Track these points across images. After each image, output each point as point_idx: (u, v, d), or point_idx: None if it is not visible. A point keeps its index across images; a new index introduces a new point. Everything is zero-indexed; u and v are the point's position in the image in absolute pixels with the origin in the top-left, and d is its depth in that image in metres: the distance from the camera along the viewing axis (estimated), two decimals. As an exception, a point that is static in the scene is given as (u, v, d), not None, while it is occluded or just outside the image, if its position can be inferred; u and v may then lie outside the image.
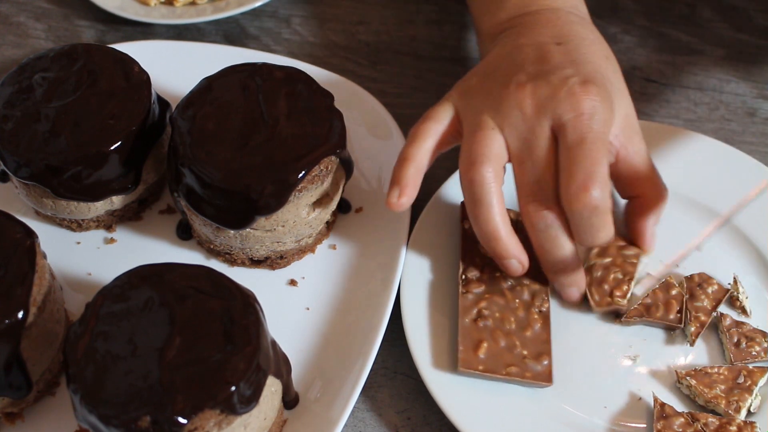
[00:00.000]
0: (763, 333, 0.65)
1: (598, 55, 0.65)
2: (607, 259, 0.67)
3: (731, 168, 0.73)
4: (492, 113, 0.62)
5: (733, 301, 0.67)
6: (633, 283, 0.66)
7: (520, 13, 0.69)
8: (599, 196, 0.58)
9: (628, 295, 0.66)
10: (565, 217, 0.60)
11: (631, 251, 0.67)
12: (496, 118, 0.61)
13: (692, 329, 0.65)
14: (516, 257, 0.63)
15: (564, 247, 0.61)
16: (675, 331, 0.66)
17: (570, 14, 0.68)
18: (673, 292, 0.66)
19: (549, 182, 0.60)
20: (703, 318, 0.66)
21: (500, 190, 0.61)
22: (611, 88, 0.63)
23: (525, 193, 0.61)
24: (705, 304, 0.66)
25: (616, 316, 0.67)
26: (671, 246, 0.70)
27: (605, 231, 0.59)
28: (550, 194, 0.60)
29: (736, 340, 0.64)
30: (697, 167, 0.73)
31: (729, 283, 0.68)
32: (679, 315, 0.65)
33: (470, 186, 0.61)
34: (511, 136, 0.61)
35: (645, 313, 0.65)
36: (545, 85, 0.61)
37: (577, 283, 0.65)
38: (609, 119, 0.61)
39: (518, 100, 0.61)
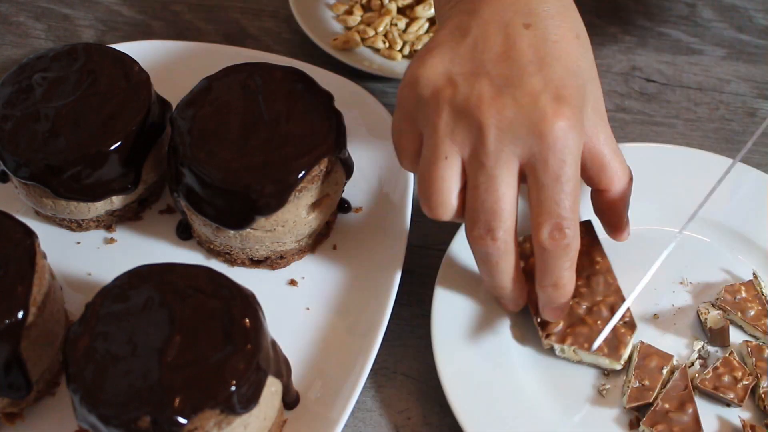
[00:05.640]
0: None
1: (569, 38, 0.58)
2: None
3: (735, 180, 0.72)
4: (449, 135, 0.56)
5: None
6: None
7: None
8: (572, 235, 0.56)
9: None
10: (514, 241, 0.58)
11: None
12: (454, 139, 0.56)
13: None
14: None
15: (507, 271, 0.60)
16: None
17: None
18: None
19: (504, 211, 0.56)
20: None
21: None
22: (582, 89, 0.57)
23: (473, 217, 0.57)
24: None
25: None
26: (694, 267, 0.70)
27: (571, 272, 0.59)
28: (500, 223, 0.57)
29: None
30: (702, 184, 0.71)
31: (749, 279, 0.67)
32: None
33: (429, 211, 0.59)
34: (469, 157, 0.57)
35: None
36: (512, 104, 0.55)
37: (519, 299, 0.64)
38: (581, 141, 0.56)
39: (480, 122, 0.55)
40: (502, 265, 0.59)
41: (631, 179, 0.62)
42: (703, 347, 0.65)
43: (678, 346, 0.66)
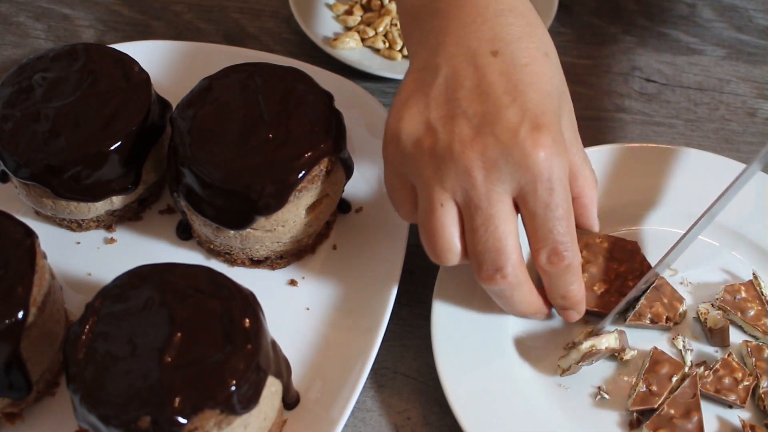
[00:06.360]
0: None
1: (538, 58, 0.58)
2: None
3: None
4: (439, 183, 0.57)
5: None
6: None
7: None
8: (571, 256, 0.58)
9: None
10: (523, 272, 0.59)
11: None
12: (445, 186, 0.56)
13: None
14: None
15: (523, 300, 0.61)
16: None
17: None
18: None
19: (508, 248, 0.57)
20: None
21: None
22: (558, 109, 0.58)
23: (478, 259, 0.57)
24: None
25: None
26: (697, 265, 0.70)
27: (578, 284, 0.61)
28: (506, 260, 0.57)
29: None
30: (702, 183, 0.71)
31: (749, 279, 0.68)
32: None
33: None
34: (462, 201, 0.57)
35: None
36: (493, 143, 0.55)
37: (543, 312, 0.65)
38: (565, 163, 0.57)
39: (466, 166, 0.55)
40: (517, 297, 0.60)
41: (596, 183, 0.63)
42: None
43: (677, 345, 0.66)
